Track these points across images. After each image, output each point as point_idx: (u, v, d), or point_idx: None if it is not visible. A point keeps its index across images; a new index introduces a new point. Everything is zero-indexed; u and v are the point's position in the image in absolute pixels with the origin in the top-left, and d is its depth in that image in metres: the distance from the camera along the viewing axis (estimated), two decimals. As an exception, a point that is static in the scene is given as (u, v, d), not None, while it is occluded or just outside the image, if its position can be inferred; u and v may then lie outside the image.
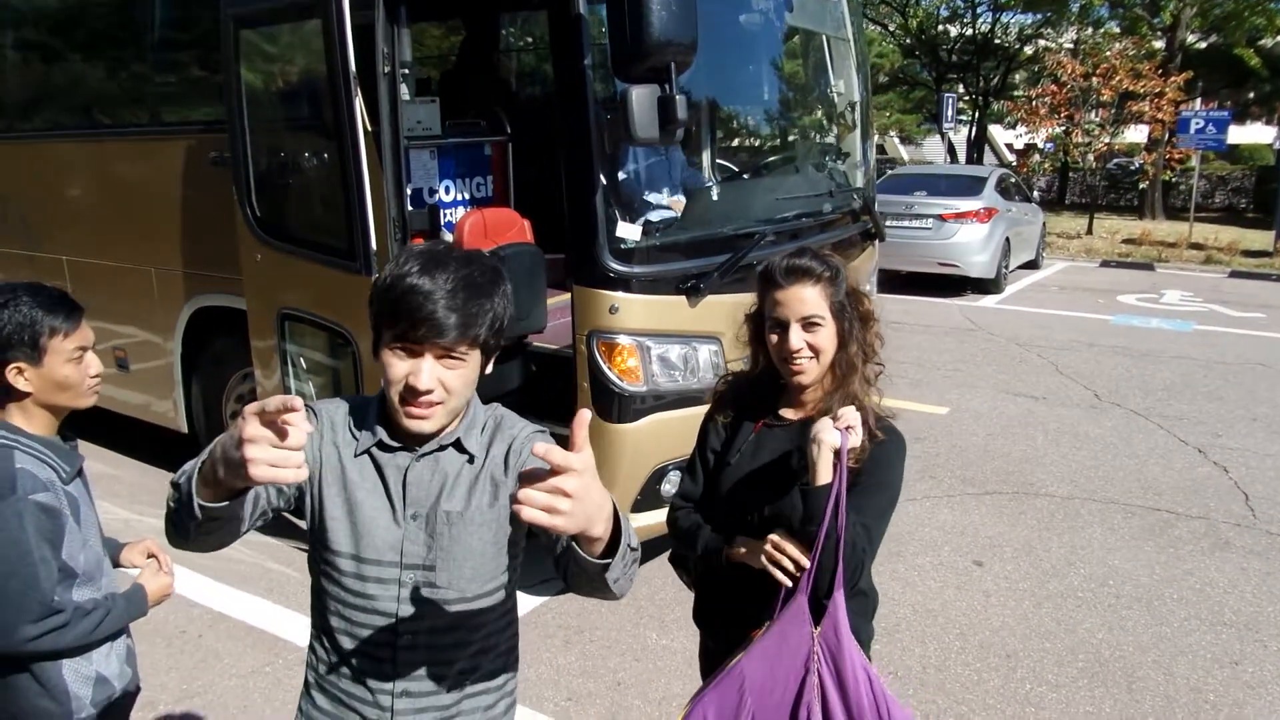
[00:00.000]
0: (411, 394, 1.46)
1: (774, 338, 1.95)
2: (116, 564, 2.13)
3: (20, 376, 1.88)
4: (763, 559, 1.88)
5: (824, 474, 1.78)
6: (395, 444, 1.55)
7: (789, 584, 1.86)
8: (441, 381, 1.46)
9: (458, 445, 1.56)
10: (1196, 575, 4.62)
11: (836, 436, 1.77)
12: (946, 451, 6.32)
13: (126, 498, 5.37)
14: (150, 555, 2.12)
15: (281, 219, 4.51)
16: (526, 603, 4.31)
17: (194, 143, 4.98)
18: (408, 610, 1.55)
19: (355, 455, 1.56)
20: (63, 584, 1.88)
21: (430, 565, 1.54)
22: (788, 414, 2.03)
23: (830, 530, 1.79)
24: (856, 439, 1.80)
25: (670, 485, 3.97)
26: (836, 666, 1.85)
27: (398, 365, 1.46)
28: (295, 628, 4.00)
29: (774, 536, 1.89)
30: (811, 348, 1.92)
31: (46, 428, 1.95)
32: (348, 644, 1.59)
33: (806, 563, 1.83)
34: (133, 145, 5.50)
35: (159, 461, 5.90)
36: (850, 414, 1.82)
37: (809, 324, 1.91)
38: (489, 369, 1.55)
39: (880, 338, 2.05)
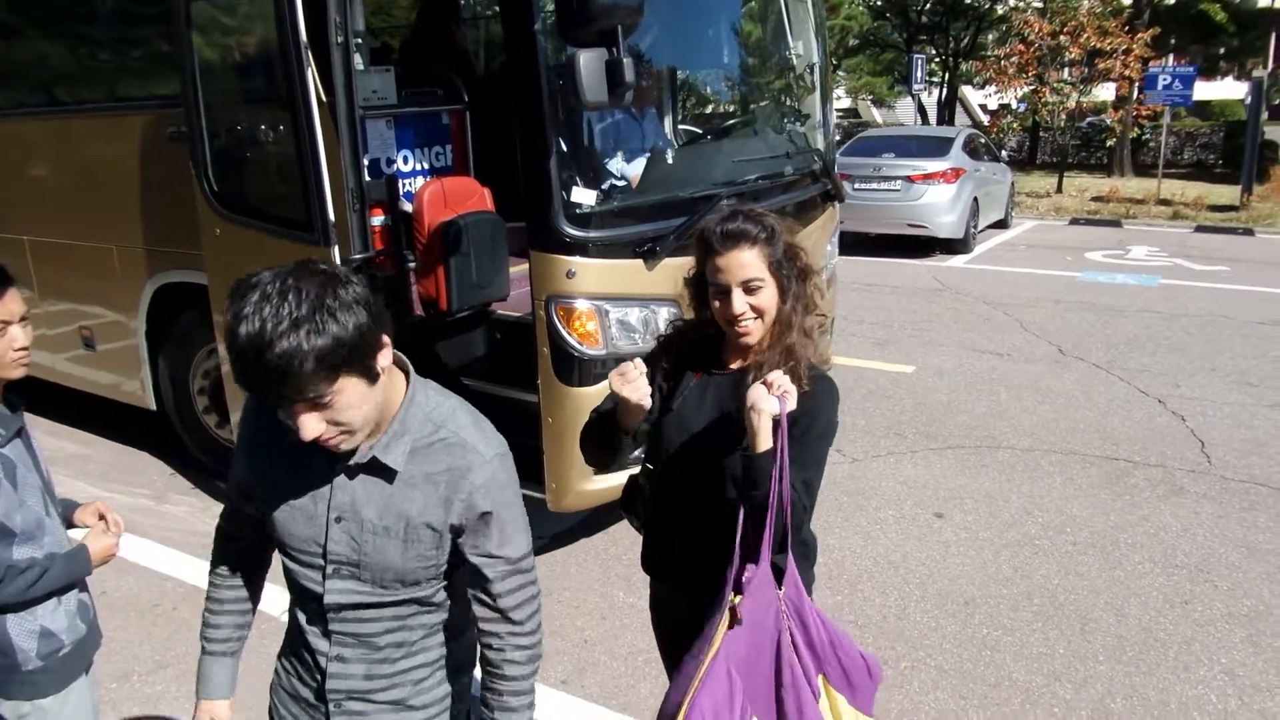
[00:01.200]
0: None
1: (716, 303, 1.96)
2: (71, 524, 2.18)
3: None
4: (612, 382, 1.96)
5: (764, 440, 1.83)
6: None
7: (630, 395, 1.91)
8: (329, 420, 1.42)
9: (373, 464, 1.53)
10: (1151, 520, 4.75)
11: (774, 404, 1.81)
12: (911, 409, 6.42)
13: (98, 476, 5.39)
14: (101, 517, 2.17)
15: (239, 192, 4.50)
16: (496, 566, 4.38)
17: (153, 118, 4.95)
18: (335, 598, 1.61)
19: (295, 452, 1.53)
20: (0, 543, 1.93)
21: (355, 563, 1.58)
22: (727, 362, 2.07)
23: (777, 493, 1.85)
24: (792, 402, 1.84)
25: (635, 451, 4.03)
26: (801, 619, 1.94)
27: (285, 418, 1.42)
28: (267, 598, 4.05)
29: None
30: (754, 309, 1.94)
31: None
32: (296, 608, 1.69)
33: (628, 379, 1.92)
34: (92, 122, 5.45)
35: (130, 441, 5.92)
36: (780, 379, 1.85)
37: (749, 287, 1.92)
38: (387, 363, 1.49)
39: (820, 290, 2.08)
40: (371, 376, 1.45)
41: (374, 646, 1.65)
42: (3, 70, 6.01)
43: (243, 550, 1.85)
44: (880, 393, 6.72)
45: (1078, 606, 3.98)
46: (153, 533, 4.47)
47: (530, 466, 4.07)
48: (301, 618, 1.68)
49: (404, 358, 1.60)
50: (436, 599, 1.66)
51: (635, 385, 1.91)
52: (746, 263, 1.92)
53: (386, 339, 1.47)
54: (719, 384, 2.06)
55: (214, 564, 1.87)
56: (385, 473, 1.54)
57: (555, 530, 4.67)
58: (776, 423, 1.82)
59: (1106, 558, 4.38)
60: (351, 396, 1.42)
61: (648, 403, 1.93)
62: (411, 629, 1.65)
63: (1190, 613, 3.93)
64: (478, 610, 1.67)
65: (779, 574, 1.94)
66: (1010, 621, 3.88)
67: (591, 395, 3.87)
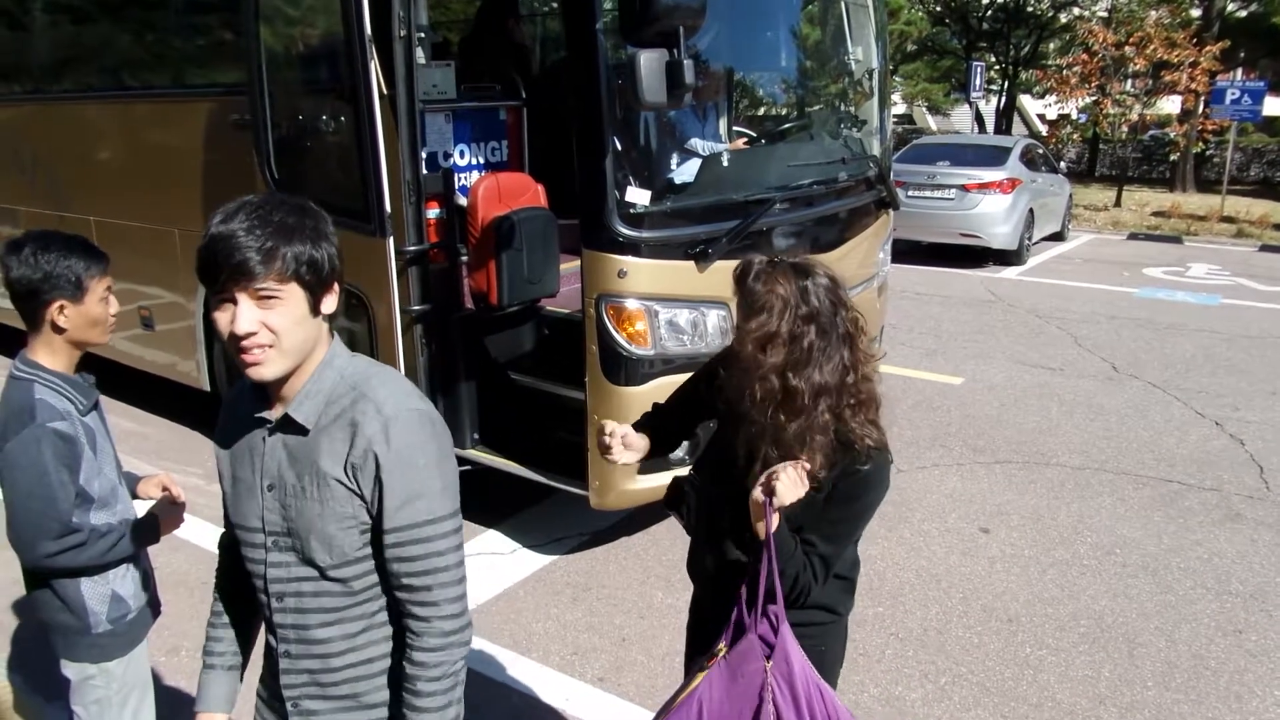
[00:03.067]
0: (236, 341, 1.44)
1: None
2: (135, 495, 2.27)
3: (61, 314, 2.04)
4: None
5: (760, 530, 1.84)
6: (258, 414, 1.58)
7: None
8: (263, 323, 1.44)
9: (286, 422, 1.55)
10: (1205, 545, 4.63)
11: (759, 495, 1.81)
12: (959, 421, 6.33)
13: (153, 454, 5.51)
14: (164, 489, 2.25)
15: (299, 180, 4.57)
16: (535, 561, 4.40)
17: (216, 105, 5.05)
18: (274, 574, 1.62)
19: (238, 425, 1.63)
20: (80, 507, 2.04)
21: (287, 533, 1.58)
22: None
23: (767, 574, 1.87)
24: (789, 498, 1.80)
25: (680, 450, 4.03)
26: (793, 694, 1.90)
27: (221, 318, 1.45)
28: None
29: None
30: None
31: (67, 365, 2.10)
32: (262, 601, 1.68)
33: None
34: (158, 107, 5.58)
35: (184, 419, 6.04)
36: (784, 475, 1.80)
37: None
38: (330, 311, 1.54)
39: (871, 361, 1.93)
40: (314, 308, 1.50)
41: (314, 640, 1.62)
42: (73, 54, 6.17)
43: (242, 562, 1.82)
44: (928, 403, 6.64)
45: (1126, 630, 3.90)
46: (203, 512, 4.55)
47: (574, 463, 4.10)
48: (265, 613, 1.69)
49: (332, 329, 1.61)
50: (362, 585, 1.60)
51: (616, 456, 2.00)
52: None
53: (338, 288, 1.55)
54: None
55: (217, 577, 1.86)
56: (298, 430, 1.55)
57: (596, 528, 4.68)
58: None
59: (1158, 581, 4.28)
60: (292, 310, 1.46)
61: (631, 458, 2.06)
62: (348, 621, 1.61)
63: (1244, 642, 3.83)
64: (389, 584, 1.60)
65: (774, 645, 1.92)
66: (1055, 641, 3.81)
67: (639, 395, 3.87)
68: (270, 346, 1.45)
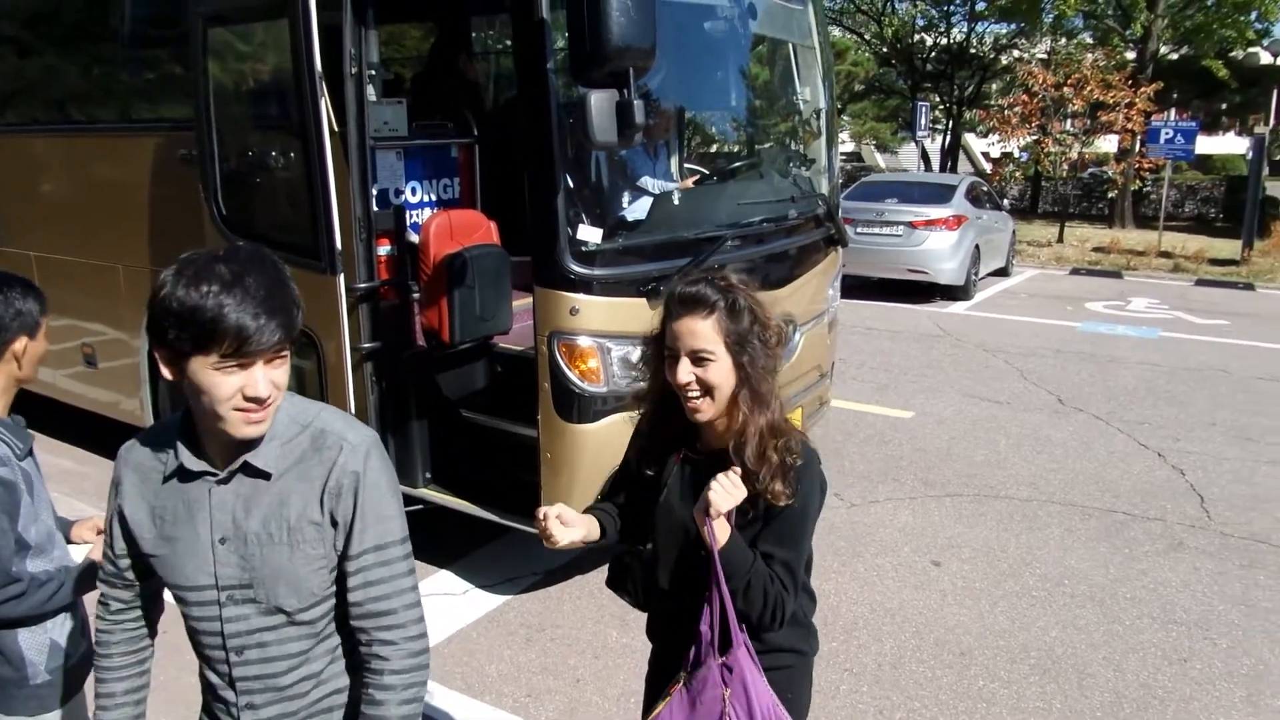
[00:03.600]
0: (249, 403, 1.45)
1: (668, 368, 1.85)
2: (69, 540, 2.20)
3: (24, 351, 2.04)
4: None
5: (707, 540, 1.81)
6: (197, 468, 1.54)
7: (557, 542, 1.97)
8: (273, 383, 1.47)
9: (246, 469, 1.54)
10: (1150, 575, 4.71)
11: (702, 506, 1.80)
12: (910, 454, 6.40)
13: (93, 494, 5.35)
14: (99, 532, 2.18)
15: (248, 217, 4.53)
16: (488, 601, 4.34)
17: (163, 140, 4.99)
18: (233, 628, 1.58)
19: (163, 484, 1.57)
20: (18, 555, 1.97)
21: (247, 584, 1.56)
22: (707, 444, 1.95)
23: (718, 595, 1.85)
24: (723, 506, 1.79)
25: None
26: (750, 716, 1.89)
27: (228, 381, 1.43)
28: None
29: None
30: (701, 383, 1.81)
31: (3, 408, 2.04)
32: (204, 667, 1.65)
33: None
34: (103, 141, 5.50)
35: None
36: (715, 484, 1.79)
37: (697, 358, 1.80)
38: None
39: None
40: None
41: (280, 687, 1.61)
42: (17, 86, 6.07)
43: (126, 618, 1.75)
44: (879, 437, 6.70)
45: (1075, 661, 3.94)
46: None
47: (527, 501, 4.06)
48: (210, 677, 1.65)
49: None
50: (324, 623, 1.62)
51: (559, 537, 1.95)
52: (695, 330, 1.80)
53: None
54: (697, 468, 1.94)
55: (99, 636, 1.75)
56: (260, 476, 1.54)
57: (550, 566, 4.64)
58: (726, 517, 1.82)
59: (1105, 612, 4.35)
60: (287, 366, 1.51)
61: (573, 535, 2.00)
62: (314, 659, 1.62)
63: (1189, 670, 3.89)
64: (350, 610, 1.61)
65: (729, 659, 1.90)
66: (1007, 674, 3.84)
67: (591, 432, 3.87)
68: (273, 405, 1.49)
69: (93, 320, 5.62)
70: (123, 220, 5.19)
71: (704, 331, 1.79)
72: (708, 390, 1.82)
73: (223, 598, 1.56)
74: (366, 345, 4.21)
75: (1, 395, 2.04)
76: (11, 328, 2.02)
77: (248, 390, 1.43)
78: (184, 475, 1.55)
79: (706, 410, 1.84)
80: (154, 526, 1.58)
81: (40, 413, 5.44)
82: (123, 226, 5.20)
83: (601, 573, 4.55)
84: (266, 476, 1.54)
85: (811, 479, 1.88)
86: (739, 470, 1.82)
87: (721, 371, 1.81)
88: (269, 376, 1.45)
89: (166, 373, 1.47)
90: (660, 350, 1.89)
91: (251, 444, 1.52)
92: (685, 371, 1.80)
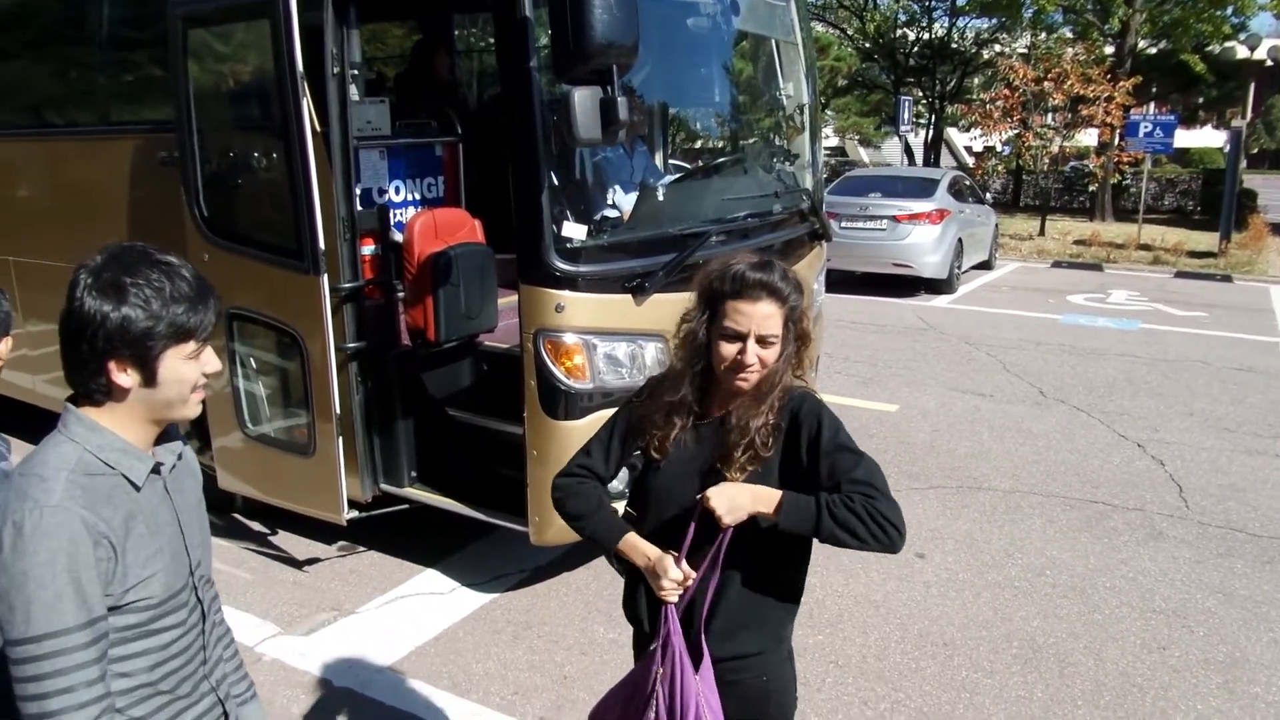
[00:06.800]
0: (207, 380, 1.55)
1: (723, 343, 1.93)
2: None
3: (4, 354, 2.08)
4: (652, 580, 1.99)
5: (765, 507, 1.91)
6: (148, 465, 1.54)
7: (672, 600, 1.98)
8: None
9: (179, 455, 1.65)
10: (1130, 564, 4.77)
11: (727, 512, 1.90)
12: (894, 448, 6.45)
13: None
14: None
15: (230, 219, 4.51)
16: (475, 600, 4.36)
17: (143, 142, 4.96)
18: (210, 604, 1.67)
19: (137, 501, 1.50)
20: None
21: (199, 562, 1.63)
22: (710, 409, 2.05)
23: (706, 575, 1.96)
24: (734, 518, 1.90)
25: (619, 482, 4.03)
26: (670, 699, 1.97)
27: (195, 366, 1.51)
28: (245, 626, 4.03)
29: (664, 559, 1.97)
30: (761, 362, 1.93)
31: None
32: (168, 684, 1.57)
33: (676, 589, 1.96)
34: (81, 144, 5.46)
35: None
36: (716, 499, 1.90)
37: (765, 340, 1.91)
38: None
39: (812, 362, 2.12)
40: None
41: (221, 659, 1.73)
42: (-6, 90, 6.02)
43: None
44: (864, 431, 6.74)
45: (1057, 650, 3.99)
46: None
47: (513, 499, 4.08)
48: (200, 686, 1.63)
49: None
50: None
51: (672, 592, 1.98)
52: (769, 316, 1.91)
53: None
54: (704, 433, 2.03)
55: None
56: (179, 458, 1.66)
57: (537, 564, 4.65)
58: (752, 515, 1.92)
59: (1086, 601, 4.40)
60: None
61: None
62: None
63: (1167, 658, 3.94)
64: None
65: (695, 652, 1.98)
66: (990, 664, 3.88)
67: (577, 429, 3.87)
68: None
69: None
70: (104, 224, 5.15)
71: (775, 317, 1.91)
72: (763, 367, 1.94)
73: (196, 580, 1.60)
74: (351, 345, 4.21)
75: None
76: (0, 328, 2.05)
77: (208, 368, 1.53)
78: (146, 481, 1.53)
79: (753, 382, 1.95)
80: (148, 547, 1.50)
81: (15, 417, 5.43)
82: (104, 230, 5.15)
83: (588, 570, 4.61)
84: (181, 456, 1.65)
85: (816, 406, 2.01)
86: (740, 449, 1.94)
87: (777, 352, 1.94)
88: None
89: (130, 380, 1.46)
90: (706, 326, 1.97)
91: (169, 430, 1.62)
92: (752, 353, 1.91)
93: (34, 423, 5.83)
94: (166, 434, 1.60)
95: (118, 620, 1.45)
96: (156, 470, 1.55)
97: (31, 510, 1.37)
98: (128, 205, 5.05)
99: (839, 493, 1.89)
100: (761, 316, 1.90)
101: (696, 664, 1.97)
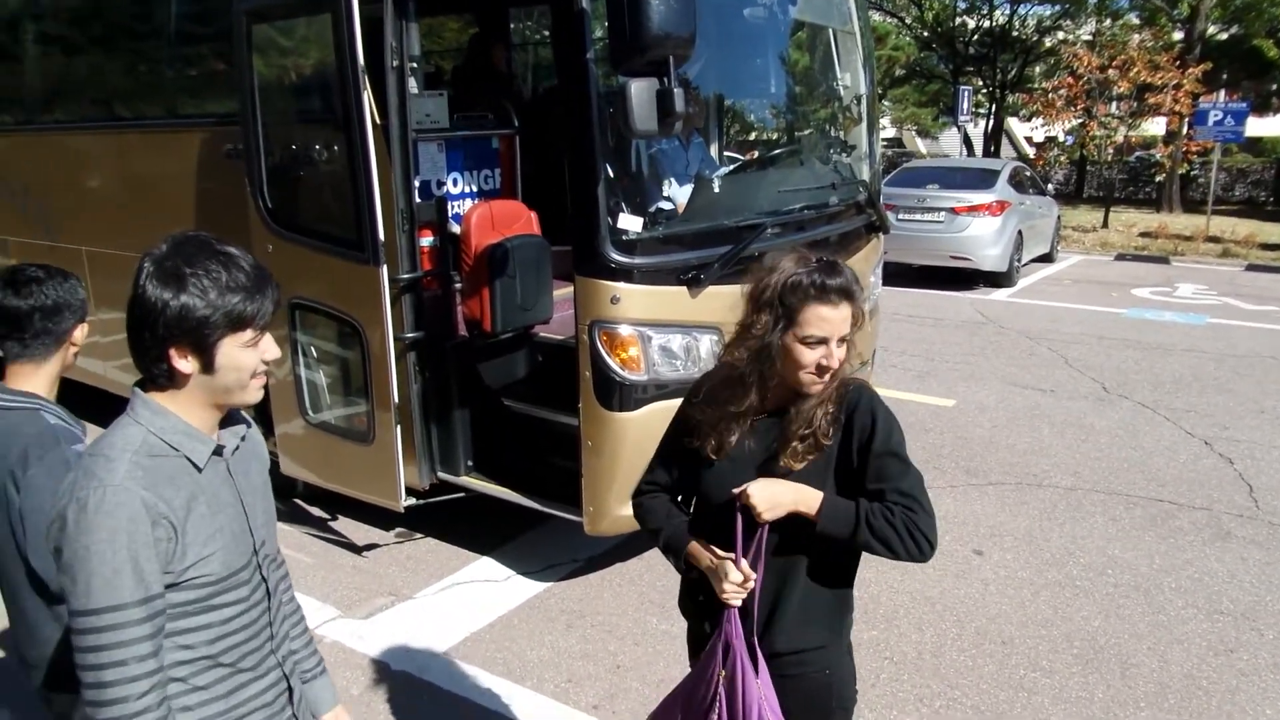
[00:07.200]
0: (266, 367, 1.58)
1: (804, 349, 1.92)
2: None
3: (80, 334, 2.17)
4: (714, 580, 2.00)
5: (807, 505, 1.94)
6: (210, 446, 1.58)
7: (735, 604, 1.98)
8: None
9: (243, 437, 1.70)
10: (1196, 565, 4.65)
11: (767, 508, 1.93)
12: (951, 443, 6.36)
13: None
14: None
15: (292, 211, 4.60)
16: (529, 588, 4.40)
17: (209, 136, 5.08)
18: (276, 584, 1.71)
19: (199, 481, 1.54)
20: None
21: (264, 541, 1.67)
22: (767, 406, 2.03)
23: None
24: (769, 516, 1.93)
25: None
26: (731, 705, 1.98)
27: (254, 354, 1.55)
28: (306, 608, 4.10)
29: (725, 564, 1.98)
30: (838, 362, 1.96)
31: (54, 395, 2.15)
32: (229, 657, 1.60)
33: (740, 592, 1.97)
34: (151, 138, 5.61)
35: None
36: (757, 495, 1.92)
37: (844, 341, 1.95)
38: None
39: (867, 356, 2.11)
40: None
41: (289, 635, 1.78)
42: (65, 85, 6.21)
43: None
44: (920, 425, 6.66)
45: (1119, 651, 3.91)
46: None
47: (568, 489, 4.10)
48: (242, 678, 1.63)
49: None
50: None
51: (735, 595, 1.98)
52: (847, 319, 1.94)
53: None
54: (764, 428, 2.03)
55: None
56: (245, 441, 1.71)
57: (591, 554, 4.68)
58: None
59: (1150, 602, 4.30)
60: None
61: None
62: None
63: (1235, 661, 3.84)
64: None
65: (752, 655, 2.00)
66: (1049, 664, 3.82)
67: (632, 420, 3.89)
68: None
69: (143, 312, 5.73)
70: (171, 215, 5.29)
71: (849, 318, 1.94)
72: (837, 367, 1.95)
73: (261, 558, 1.64)
74: (409, 335, 4.27)
75: (55, 382, 2.14)
76: (79, 312, 2.13)
77: (267, 355, 1.56)
78: (209, 463, 1.57)
79: (828, 383, 1.96)
80: (210, 523, 1.55)
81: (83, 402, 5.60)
82: (171, 221, 5.30)
83: (641, 561, 4.62)
84: (244, 439, 1.70)
85: (872, 402, 2.02)
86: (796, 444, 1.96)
87: (844, 351, 1.96)
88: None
89: (190, 366, 1.51)
90: (780, 331, 1.94)
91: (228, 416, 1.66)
92: (836, 357, 1.93)
93: (107, 408, 6.01)
94: (230, 418, 1.65)
95: (177, 596, 1.50)
96: (219, 452, 1.59)
97: (95, 489, 1.43)
98: (194, 197, 5.17)
99: (882, 500, 1.93)
100: (841, 320, 1.92)
101: (754, 664, 1.98)
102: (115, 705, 1.43)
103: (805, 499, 1.92)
